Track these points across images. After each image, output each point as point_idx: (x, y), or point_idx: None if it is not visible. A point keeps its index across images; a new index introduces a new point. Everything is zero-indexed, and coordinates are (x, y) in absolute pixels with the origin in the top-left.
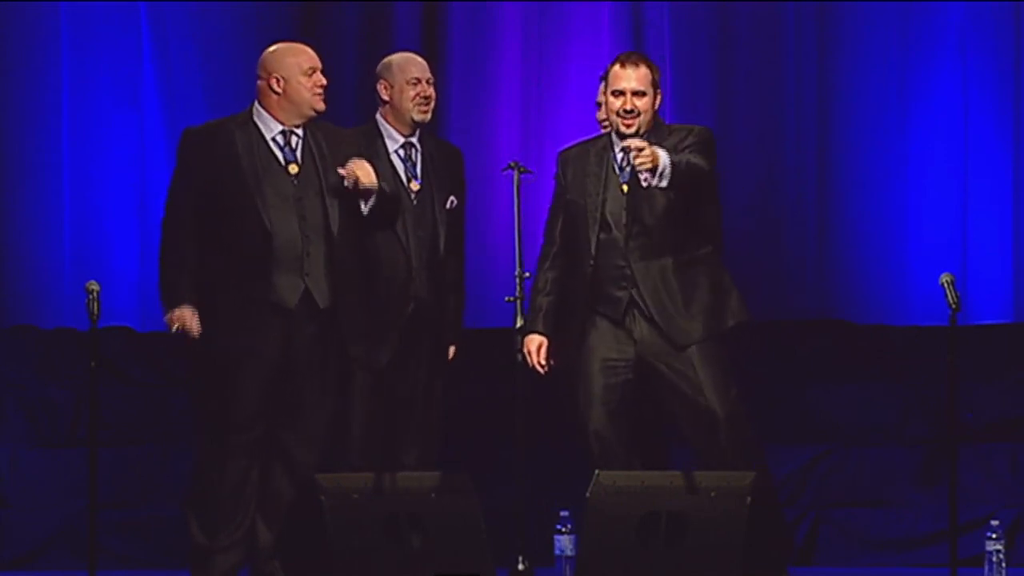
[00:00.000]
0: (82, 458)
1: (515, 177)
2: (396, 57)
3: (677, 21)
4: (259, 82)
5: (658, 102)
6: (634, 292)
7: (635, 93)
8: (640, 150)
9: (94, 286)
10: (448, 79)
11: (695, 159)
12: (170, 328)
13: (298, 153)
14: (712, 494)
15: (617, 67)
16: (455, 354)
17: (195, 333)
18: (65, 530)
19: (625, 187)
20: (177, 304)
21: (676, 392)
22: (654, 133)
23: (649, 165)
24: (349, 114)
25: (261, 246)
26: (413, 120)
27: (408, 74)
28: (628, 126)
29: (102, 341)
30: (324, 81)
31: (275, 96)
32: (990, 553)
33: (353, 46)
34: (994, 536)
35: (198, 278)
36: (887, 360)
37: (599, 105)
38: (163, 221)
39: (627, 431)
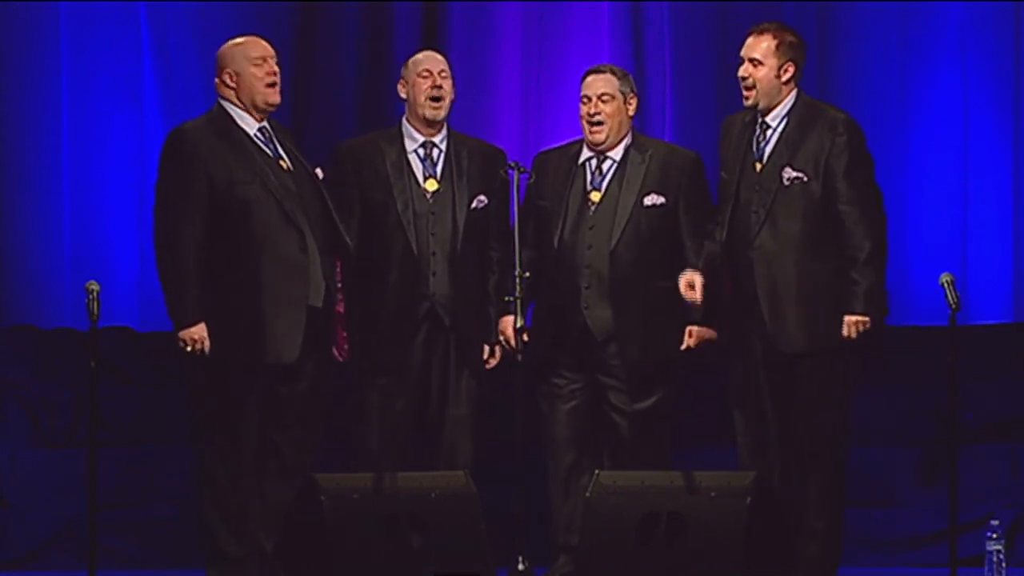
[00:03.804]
0: (82, 458)
1: (515, 177)
2: (415, 55)
3: (677, 21)
4: (216, 80)
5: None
6: None
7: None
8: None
9: (94, 286)
10: None
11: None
12: (185, 347)
13: (280, 149)
14: (712, 494)
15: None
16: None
17: (208, 348)
18: (65, 530)
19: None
20: (191, 322)
21: None
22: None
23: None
24: (349, 114)
25: (296, 245)
26: (424, 117)
27: (419, 67)
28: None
29: (102, 341)
30: (276, 70)
31: (231, 91)
32: (990, 553)
33: (353, 46)
34: (994, 536)
35: (202, 285)
36: (887, 360)
37: None
38: (159, 229)
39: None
